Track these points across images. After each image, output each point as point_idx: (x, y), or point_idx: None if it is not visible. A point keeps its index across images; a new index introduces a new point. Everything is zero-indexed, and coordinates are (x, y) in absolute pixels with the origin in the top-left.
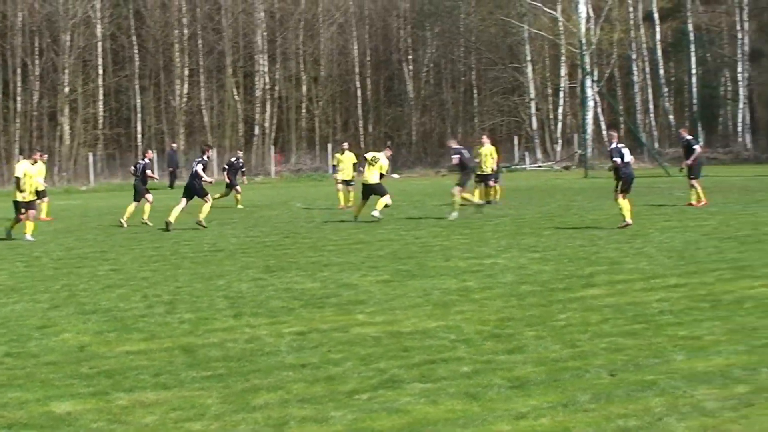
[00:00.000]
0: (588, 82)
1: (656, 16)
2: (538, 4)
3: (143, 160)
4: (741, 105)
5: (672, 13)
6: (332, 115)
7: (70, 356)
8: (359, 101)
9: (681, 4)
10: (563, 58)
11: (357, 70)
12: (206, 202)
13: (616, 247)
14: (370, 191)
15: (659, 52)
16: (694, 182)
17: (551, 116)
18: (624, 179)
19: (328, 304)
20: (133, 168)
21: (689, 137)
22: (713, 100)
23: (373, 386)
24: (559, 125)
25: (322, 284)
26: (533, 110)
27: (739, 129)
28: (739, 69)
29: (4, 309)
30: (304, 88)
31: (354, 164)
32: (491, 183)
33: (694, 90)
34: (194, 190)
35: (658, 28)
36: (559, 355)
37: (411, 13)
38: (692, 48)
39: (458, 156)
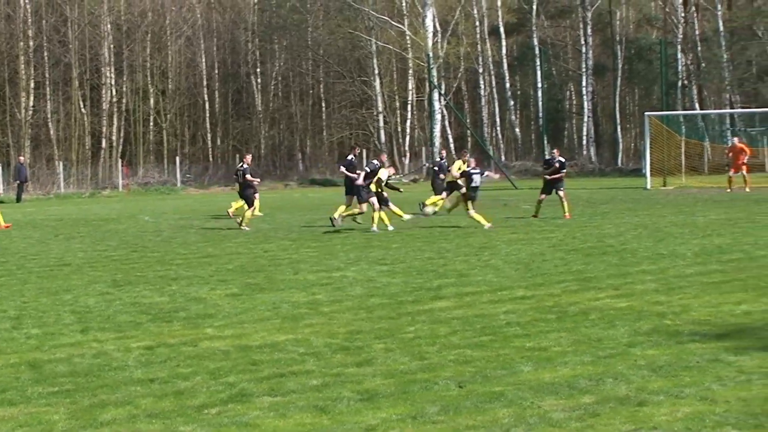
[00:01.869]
0: (435, 96)
1: (502, 30)
2: (386, 18)
3: None
4: (585, 118)
5: (517, 27)
6: (180, 128)
7: None
8: (207, 114)
9: (526, 19)
10: (411, 71)
11: (205, 83)
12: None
13: (463, 260)
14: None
15: (505, 66)
16: (562, 193)
17: (399, 129)
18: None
19: (177, 318)
20: None
21: (562, 159)
22: (558, 114)
23: (223, 400)
24: (407, 138)
25: (170, 298)
26: (381, 123)
27: (584, 142)
28: (584, 83)
29: None
30: (152, 101)
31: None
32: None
33: (540, 103)
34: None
35: (504, 42)
36: (407, 367)
37: (259, 26)
38: (537, 62)
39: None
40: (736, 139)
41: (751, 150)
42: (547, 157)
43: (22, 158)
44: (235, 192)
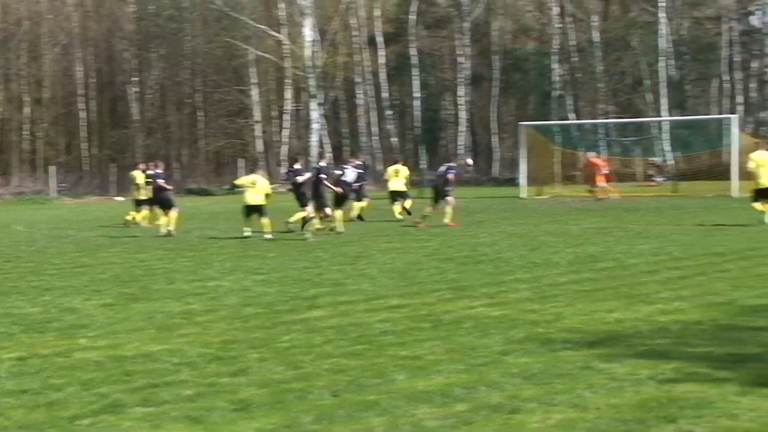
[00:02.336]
0: (313, 105)
1: (380, 40)
2: (264, 27)
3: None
4: (462, 128)
5: (395, 37)
6: (55, 137)
7: None
8: (83, 123)
9: (404, 29)
10: (288, 80)
11: (81, 91)
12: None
13: (339, 269)
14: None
15: (383, 76)
16: (450, 199)
17: (276, 139)
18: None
19: (50, 328)
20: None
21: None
22: (435, 123)
23: (95, 411)
24: (284, 148)
25: (43, 309)
26: (258, 132)
27: (461, 151)
28: (461, 93)
29: None
30: (27, 110)
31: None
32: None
33: (417, 113)
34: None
35: (381, 52)
36: (282, 376)
37: (136, 35)
38: (415, 72)
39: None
40: (590, 154)
41: (606, 162)
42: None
43: None
44: (123, 201)
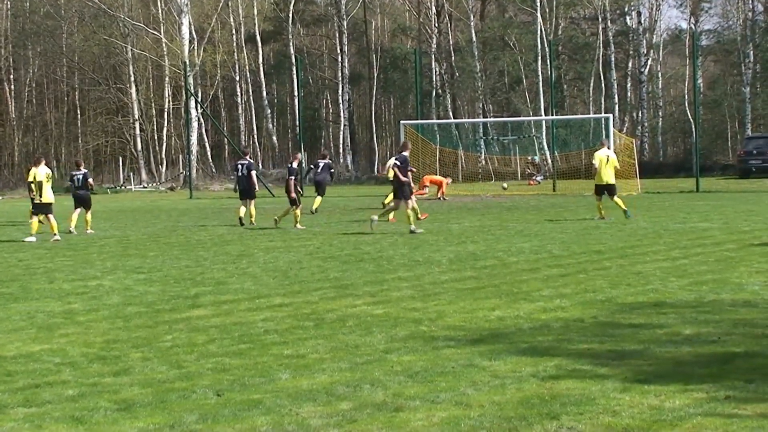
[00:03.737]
0: (192, 104)
1: (258, 38)
2: (142, 25)
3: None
4: (342, 126)
5: (274, 35)
6: None
7: None
8: None
9: (283, 27)
10: (167, 79)
11: None
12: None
13: (221, 268)
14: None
15: (262, 74)
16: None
17: (156, 137)
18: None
19: None
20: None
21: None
22: (315, 122)
23: None
24: (164, 146)
25: None
26: (138, 131)
27: (341, 150)
28: (340, 91)
29: None
30: None
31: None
32: None
33: (297, 111)
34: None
35: (260, 51)
36: (165, 376)
37: (12, 32)
38: (294, 70)
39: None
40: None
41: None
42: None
43: None
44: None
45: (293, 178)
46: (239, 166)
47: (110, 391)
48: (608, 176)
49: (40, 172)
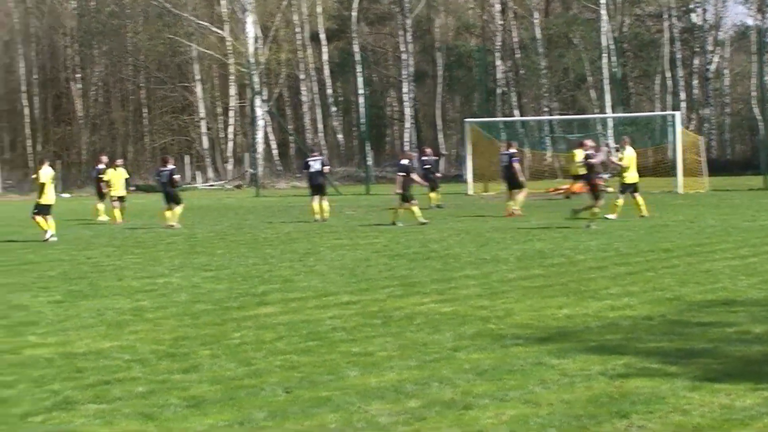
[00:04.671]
0: (257, 102)
1: (323, 36)
2: (206, 24)
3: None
4: (407, 124)
5: (338, 33)
6: None
7: None
8: (27, 120)
9: (346, 25)
10: (232, 77)
11: (24, 88)
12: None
13: (288, 266)
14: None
15: (327, 72)
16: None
17: (222, 135)
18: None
19: None
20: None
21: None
22: (380, 120)
23: (47, 408)
24: (230, 144)
25: None
26: (204, 129)
27: (406, 148)
28: (405, 89)
29: None
30: None
31: (126, 179)
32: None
33: (362, 110)
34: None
35: (325, 49)
36: (234, 373)
37: (78, 31)
38: (359, 68)
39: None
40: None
41: None
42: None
43: None
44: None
45: (404, 174)
46: (310, 163)
47: (180, 388)
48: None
49: (45, 174)
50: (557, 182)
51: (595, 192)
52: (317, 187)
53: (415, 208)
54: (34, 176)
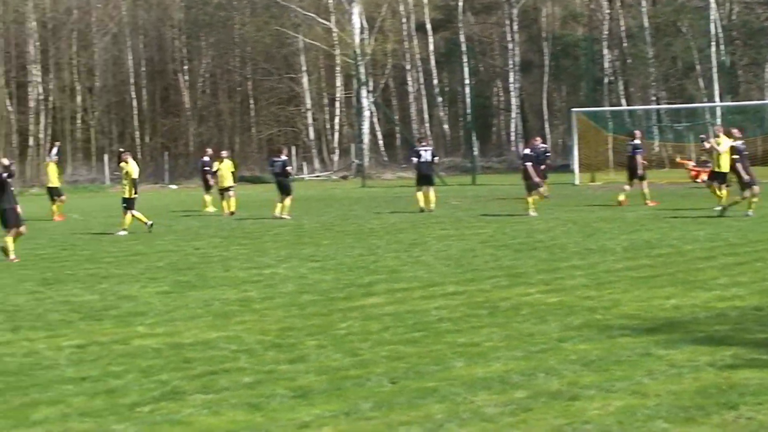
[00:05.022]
0: (363, 92)
1: (429, 26)
2: (313, 15)
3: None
4: (513, 115)
5: (444, 24)
6: (108, 125)
7: None
8: (135, 111)
9: (453, 15)
10: (338, 68)
11: (132, 80)
12: None
13: (394, 256)
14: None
15: (433, 63)
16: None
17: (328, 126)
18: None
19: (108, 316)
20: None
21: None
22: (486, 110)
23: (155, 398)
24: (336, 135)
25: (101, 296)
26: (310, 120)
27: (512, 138)
28: (511, 79)
29: None
30: (79, 99)
31: (232, 172)
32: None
33: (468, 100)
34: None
35: (431, 39)
36: (340, 363)
37: (185, 23)
38: (464, 58)
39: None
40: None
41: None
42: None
43: None
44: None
45: (530, 164)
46: (421, 152)
47: (286, 379)
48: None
49: (136, 168)
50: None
51: (741, 180)
52: (426, 178)
53: (532, 198)
54: (125, 171)
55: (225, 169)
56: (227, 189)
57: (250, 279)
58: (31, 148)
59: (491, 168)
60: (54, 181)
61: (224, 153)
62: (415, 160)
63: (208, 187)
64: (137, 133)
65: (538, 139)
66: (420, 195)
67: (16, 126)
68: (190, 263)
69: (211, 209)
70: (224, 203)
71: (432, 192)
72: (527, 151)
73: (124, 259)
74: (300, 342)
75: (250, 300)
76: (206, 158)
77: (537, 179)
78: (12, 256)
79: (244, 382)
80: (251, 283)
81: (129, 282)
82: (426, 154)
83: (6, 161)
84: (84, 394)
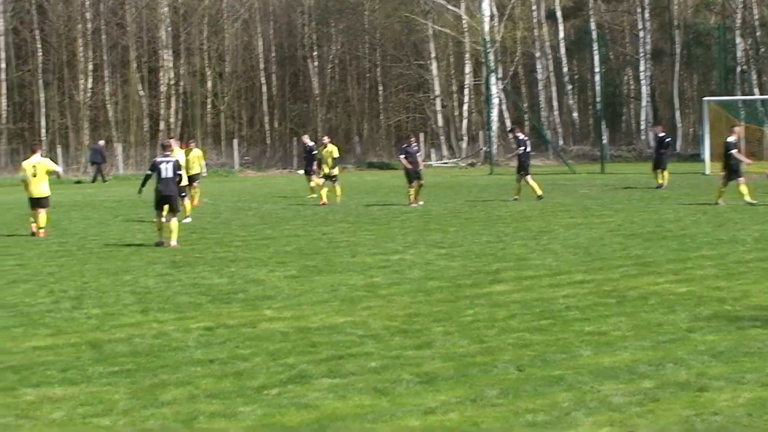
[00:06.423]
0: (492, 80)
1: (559, 14)
2: (442, 2)
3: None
4: (644, 103)
5: (574, 11)
6: (237, 110)
7: None
8: (264, 97)
9: (583, 3)
10: (467, 55)
11: (262, 65)
12: None
13: (522, 244)
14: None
15: (562, 50)
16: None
17: (456, 113)
18: None
19: (236, 299)
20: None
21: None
22: (616, 98)
23: (282, 381)
24: (464, 122)
25: (229, 280)
26: (438, 107)
27: (642, 127)
28: (642, 67)
29: None
30: (209, 84)
31: (334, 159)
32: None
33: (598, 88)
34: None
35: (561, 27)
36: (467, 350)
37: (315, 9)
38: (595, 46)
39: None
40: None
41: None
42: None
43: (102, 141)
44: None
45: (736, 151)
46: (408, 150)
47: (412, 364)
48: None
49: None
50: None
51: None
52: (416, 173)
53: (743, 187)
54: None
55: (327, 155)
56: (329, 177)
57: (376, 264)
58: (162, 132)
59: (621, 156)
60: (196, 168)
61: (325, 139)
62: (402, 156)
63: (310, 173)
64: (266, 119)
65: (660, 126)
66: (532, 182)
67: (147, 110)
68: (318, 248)
69: (312, 196)
70: (323, 192)
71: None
72: (732, 138)
73: (252, 243)
74: (426, 328)
75: (376, 285)
76: (311, 143)
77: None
78: (174, 241)
79: (370, 366)
80: (378, 269)
81: (257, 266)
82: (413, 152)
83: (102, 143)
84: (212, 376)
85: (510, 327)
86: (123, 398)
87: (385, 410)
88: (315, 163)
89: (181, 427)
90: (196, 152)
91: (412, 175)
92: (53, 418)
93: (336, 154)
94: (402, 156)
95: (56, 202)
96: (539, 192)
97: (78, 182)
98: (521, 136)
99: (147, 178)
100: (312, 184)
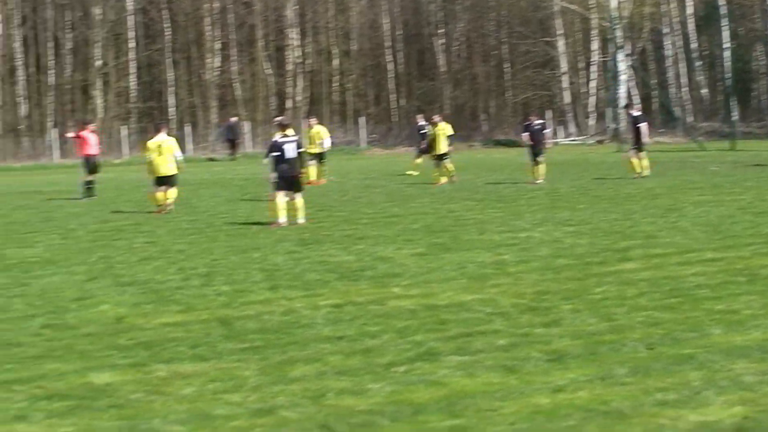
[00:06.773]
0: (620, 56)
1: None
2: None
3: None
4: None
5: None
6: (364, 88)
7: (107, 328)
8: (391, 75)
9: None
10: (595, 31)
11: (388, 44)
12: None
13: (651, 222)
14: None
15: (691, 26)
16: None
17: (583, 90)
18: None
19: (364, 277)
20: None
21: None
22: (747, 75)
23: (410, 359)
24: (592, 99)
25: (357, 257)
26: (565, 84)
27: None
28: None
29: (42, 281)
30: (336, 62)
31: (449, 136)
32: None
33: (727, 64)
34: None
35: (689, 2)
36: (596, 328)
37: None
38: (724, 22)
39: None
40: None
41: None
42: None
43: (235, 118)
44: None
45: None
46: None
47: (541, 342)
48: None
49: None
50: None
51: None
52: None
53: None
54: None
55: (438, 134)
56: (439, 157)
57: (504, 242)
58: (289, 111)
59: (751, 133)
60: (316, 147)
61: (436, 118)
62: (525, 134)
63: (422, 151)
64: (392, 96)
65: None
66: (635, 160)
67: (274, 89)
68: (445, 226)
69: (412, 173)
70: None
71: (636, 157)
72: None
73: (380, 221)
74: (555, 306)
75: (504, 263)
76: (423, 122)
77: None
78: (301, 218)
79: (498, 344)
80: (506, 247)
81: (384, 243)
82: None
83: (235, 119)
84: (340, 353)
85: (639, 305)
86: (252, 375)
87: (513, 388)
88: (421, 141)
89: (310, 404)
90: (319, 129)
91: (534, 153)
92: (184, 394)
93: (449, 132)
94: (525, 134)
95: (184, 180)
96: (639, 171)
97: (211, 159)
98: (635, 113)
99: (276, 160)
100: (418, 161)
